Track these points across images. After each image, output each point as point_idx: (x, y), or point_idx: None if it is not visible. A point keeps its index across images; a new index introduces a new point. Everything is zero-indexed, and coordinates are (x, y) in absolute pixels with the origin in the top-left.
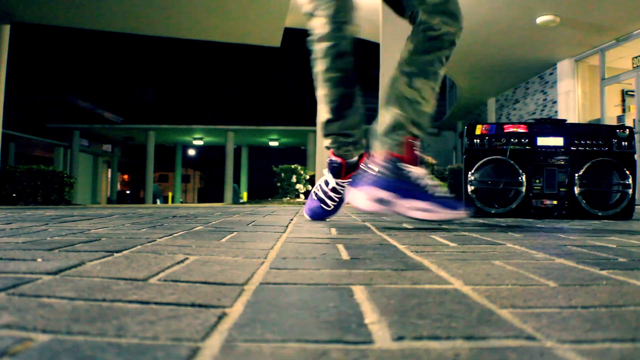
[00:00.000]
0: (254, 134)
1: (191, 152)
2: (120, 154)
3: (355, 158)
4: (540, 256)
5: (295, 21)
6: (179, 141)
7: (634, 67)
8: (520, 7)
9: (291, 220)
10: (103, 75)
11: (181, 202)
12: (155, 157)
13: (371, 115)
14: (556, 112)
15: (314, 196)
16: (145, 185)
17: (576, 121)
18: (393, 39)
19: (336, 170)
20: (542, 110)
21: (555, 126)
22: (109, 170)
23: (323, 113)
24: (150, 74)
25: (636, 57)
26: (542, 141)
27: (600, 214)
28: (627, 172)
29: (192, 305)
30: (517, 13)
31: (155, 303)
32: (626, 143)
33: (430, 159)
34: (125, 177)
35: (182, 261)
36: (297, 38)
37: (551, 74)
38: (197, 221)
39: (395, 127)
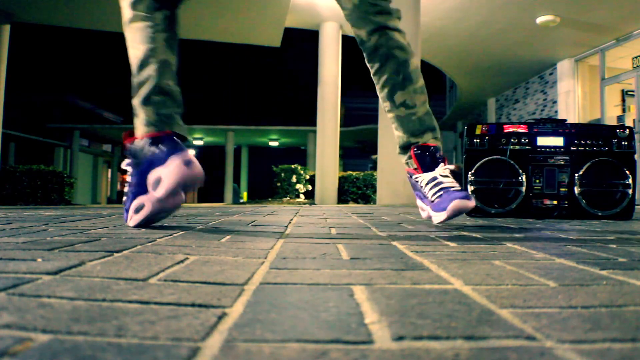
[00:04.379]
0: (254, 134)
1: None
2: (120, 154)
3: None
4: (540, 256)
5: (295, 21)
6: None
7: (634, 67)
8: (520, 7)
9: (291, 220)
10: (103, 75)
11: None
12: None
13: (372, 115)
14: (556, 112)
15: None
16: None
17: (576, 121)
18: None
19: None
20: (542, 110)
21: (555, 126)
22: (109, 170)
23: None
24: None
25: (636, 57)
26: (542, 141)
27: (600, 214)
28: (627, 172)
29: (192, 305)
30: (517, 13)
31: (155, 303)
32: (626, 143)
33: None
34: (125, 177)
35: (182, 261)
36: (297, 38)
37: (551, 74)
38: (197, 221)
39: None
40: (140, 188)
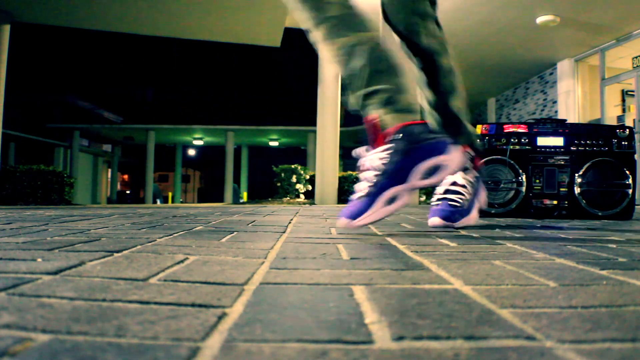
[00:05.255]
0: (254, 134)
1: (191, 152)
2: (120, 154)
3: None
4: (540, 256)
5: (295, 21)
6: (179, 141)
7: (634, 67)
8: (520, 7)
9: (291, 220)
10: (103, 75)
11: (181, 202)
12: (155, 157)
13: None
14: (556, 112)
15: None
16: (145, 185)
17: (576, 121)
18: (393, 39)
19: None
20: (542, 110)
21: (555, 126)
22: (109, 170)
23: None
24: (150, 74)
25: (636, 57)
26: (542, 141)
27: (600, 214)
28: (627, 172)
29: (192, 305)
30: (517, 13)
31: (155, 303)
32: (626, 143)
33: None
34: (125, 177)
35: (182, 261)
36: (297, 38)
37: (551, 74)
38: (197, 221)
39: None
40: (397, 177)
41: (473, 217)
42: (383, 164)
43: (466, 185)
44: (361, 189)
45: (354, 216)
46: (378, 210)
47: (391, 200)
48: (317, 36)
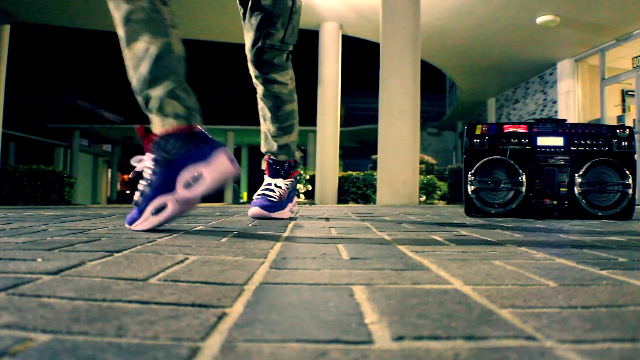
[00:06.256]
0: (254, 134)
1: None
2: (120, 154)
3: None
4: (540, 256)
5: None
6: None
7: (634, 67)
8: (520, 7)
9: (291, 220)
10: (103, 75)
11: None
12: None
13: (372, 115)
14: (556, 112)
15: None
16: None
17: (576, 121)
18: (393, 39)
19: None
20: (542, 110)
21: (555, 126)
22: (109, 170)
23: None
24: None
25: (636, 57)
26: (542, 141)
27: (600, 214)
28: (627, 172)
29: (192, 305)
30: (517, 13)
31: (155, 303)
32: (626, 143)
33: (430, 159)
34: (126, 177)
35: (182, 261)
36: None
37: (551, 74)
38: (197, 221)
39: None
40: (164, 186)
41: (286, 213)
42: (149, 173)
43: (282, 187)
44: (137, 197)
45: (130, 222)
46: (146, 219)
47: (158, 211)
48: (120, 32)
